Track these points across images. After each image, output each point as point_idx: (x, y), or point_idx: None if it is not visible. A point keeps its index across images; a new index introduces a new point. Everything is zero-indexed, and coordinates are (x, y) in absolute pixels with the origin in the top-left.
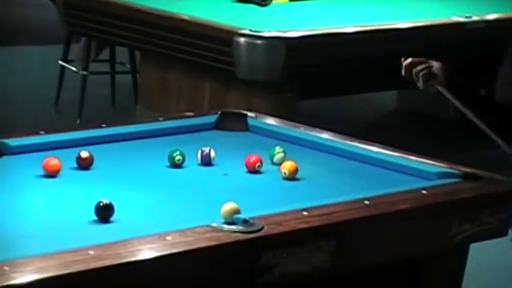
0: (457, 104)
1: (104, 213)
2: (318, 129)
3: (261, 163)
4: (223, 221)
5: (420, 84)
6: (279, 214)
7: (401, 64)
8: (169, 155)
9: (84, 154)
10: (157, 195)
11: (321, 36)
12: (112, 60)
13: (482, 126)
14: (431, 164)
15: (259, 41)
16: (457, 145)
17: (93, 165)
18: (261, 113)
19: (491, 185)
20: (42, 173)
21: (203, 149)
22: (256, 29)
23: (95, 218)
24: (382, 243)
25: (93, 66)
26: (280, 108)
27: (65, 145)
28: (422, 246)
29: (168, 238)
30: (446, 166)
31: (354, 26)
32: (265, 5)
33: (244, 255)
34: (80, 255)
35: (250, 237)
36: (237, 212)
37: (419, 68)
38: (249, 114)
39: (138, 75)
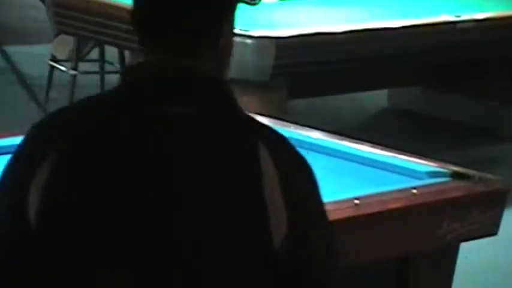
0: None
1: None
2: (308, 128)
3: None
4: None
5: None
6: None
7: None
8: None
9: None
10: None
11: (310, 35)
12: (101, 60)
13: None
14: (422, 163)
15: (248, 40)
16: (447, 144)
17: None
18: (250, 112)
19: (481, 184)
20: None
21: None
22: (245, 28)
23: None
24: (372, 243)
25: (83, 66)
26: (270, 108)
27: None
28: (412, 245)
29: None
30: (437, 165)
31: (344, 25)
32: (254, 4)
33: None
34: None
35: None
36: None
37: None
38: None
39: None
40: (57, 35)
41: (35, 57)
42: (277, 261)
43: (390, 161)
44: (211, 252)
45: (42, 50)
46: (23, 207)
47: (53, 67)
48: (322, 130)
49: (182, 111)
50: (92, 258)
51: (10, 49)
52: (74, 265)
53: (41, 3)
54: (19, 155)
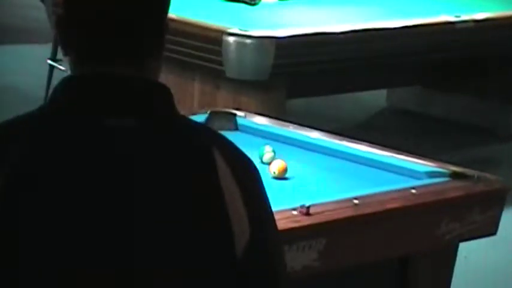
0: None
1: None
2: (307, 128)
3: None
4: None
5: None
6: None
7: None
8: None
9: None
10: None
11: (310, 35)
12: None
13: None
14: (421, 163)
15: (248, 40)
16: (446, 144)
17: None
18: (250, 112)
19: (480, 184)
20: None
21: None
22: (245, 28)
23: None
24: (372, 243)
25: None
26: (269, 107)
27: None
28: (411, 245)
29: None
30: (436, 165)
31: (343, 25)
32: (254, 4)
33: None
34: None
35: None
36: None
37: None
38: (238, 113)
39: None
40: (57, 35)
41: (35, 56)
42: (238, 269)
43: (389, 161)
44: (167, 265)
45: (43, 50)
46: None
47: (52, 66)
48: (321, 130)
49: (131, 124)
50: (46, 264)
51: (11, 48)
52: (28, 270)
53: (41, 3)
54: None
